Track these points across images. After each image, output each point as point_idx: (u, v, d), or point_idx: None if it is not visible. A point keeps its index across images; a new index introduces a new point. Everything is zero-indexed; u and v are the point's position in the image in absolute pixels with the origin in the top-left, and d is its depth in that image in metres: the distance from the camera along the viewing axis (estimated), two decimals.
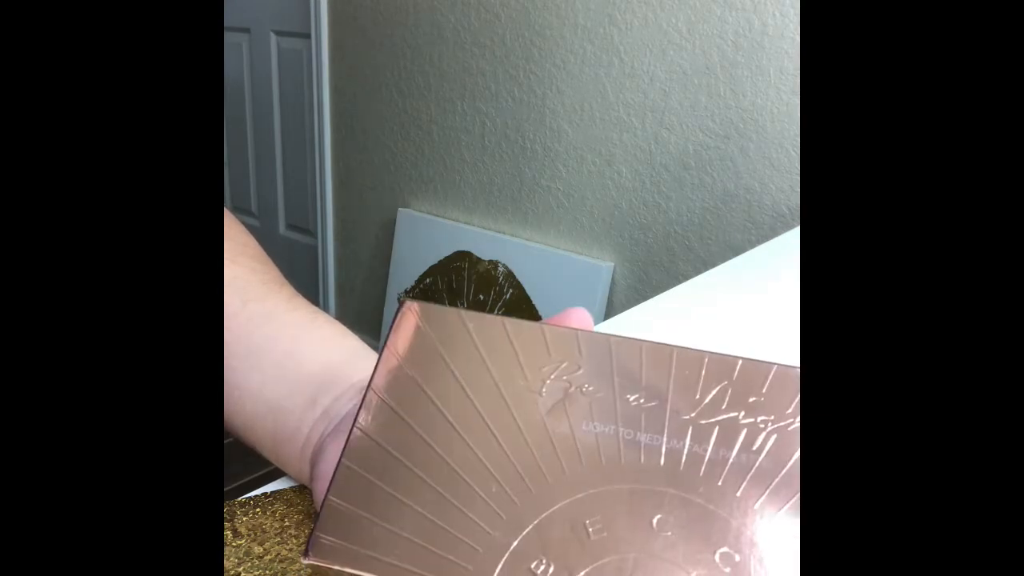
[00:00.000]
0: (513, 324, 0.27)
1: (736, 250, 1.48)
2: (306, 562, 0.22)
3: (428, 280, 1.96)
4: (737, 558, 0.21)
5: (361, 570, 0.22)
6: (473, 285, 1.86)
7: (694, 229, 1.56)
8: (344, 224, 2.22)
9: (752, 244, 1.46)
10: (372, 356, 0.35)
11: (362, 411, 0.25)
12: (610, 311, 1.70)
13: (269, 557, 0.38)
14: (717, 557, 0.21)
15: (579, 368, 0.25)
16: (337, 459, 0.25)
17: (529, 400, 0.25)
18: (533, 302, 1.76)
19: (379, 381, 0.26)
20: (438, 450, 0.24)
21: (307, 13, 2.09)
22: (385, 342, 0.27)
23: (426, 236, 1.97)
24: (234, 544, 0.39)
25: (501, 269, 1.81)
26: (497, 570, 0.21)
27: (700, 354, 0.25)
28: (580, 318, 0.28)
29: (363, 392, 0.29)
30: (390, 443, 0.24)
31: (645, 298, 1.62)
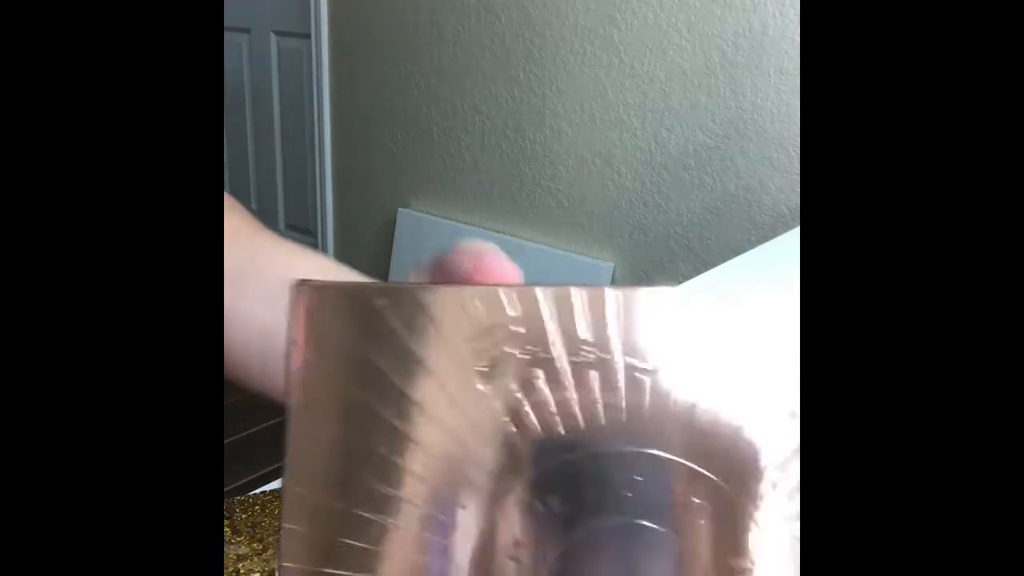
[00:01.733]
0: (429, 293, 0.23)
1: (736, 250, 1.48)
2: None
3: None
4: (710, 506, 0.21)
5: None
6: None
7: (694, 229, 1.56)
8: (344, 224, 2.22)
9: (752, 244, 1.46)
10: (352, 271, 0.34)
11: (291, 427, 0.23)
12: None
13: (268, 554, 0.38)
14: (685, 509, 0.21)
15: (502, 330, 0.23)
16: None
17: (461, 378, 0.22)
18: None
19: (299, 393, 0.23)
20: (388, 457, 0.22)
21: (307, 13, 2.09)
22: (288, 335, 0.23)
23: (426, 236, 1.97)
24: (233, 541, 0.39)
25: None
26: (470, 562, 0.21)
27: (633, 291, 0.22)
28: (501, 269, 0.26)
29: None
30: (329, 462, 0.22)
31: None
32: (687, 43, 1.49)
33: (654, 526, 0.21)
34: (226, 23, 2.37)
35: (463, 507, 0.22)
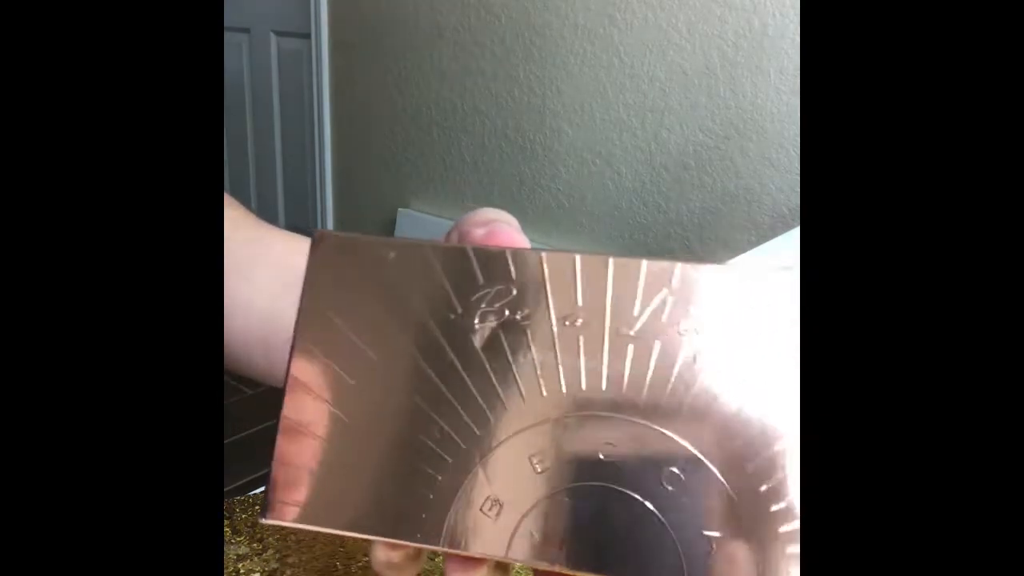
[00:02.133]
0: (436, 250, 0.24)
1: (736, 250, 1.48)
2: (264, 522, 0.22)
3: None
4: (683, 476, 0.21)
5: (320, 527, 0.22)
6: None
7: (694, 229, 1.56)
8: (344, 224, 2.22)
9: (752, 244, 1.46)
10: None
11: (292, 363, 0.24)
12: None
13: (268, 553, 0.38)
14: (663, 479, 0.21)
15: (512, 293, 0.23)
16: None
17: (462, 334, 0.23)
18: None
19: (303, 329, 0.24)
20: (376, 399, 0.23)
21: (307, 13, 2.09)
22: (305, 280, 0.24)
23: (426, 236, 1.96)
24: (233, 541, 0.39)
25: None
26: (448, 516, 0.21)
27: (637, 262, 0.23)
28: (509, 236, 0.26)
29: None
30: (325, 395, 0.23)
31: None
32: (687, 43, 1.49)
33: (626, 491, 0.21)
34: (226, 23, 2.37)
35: (443, 461, 0.22)
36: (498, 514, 0.21)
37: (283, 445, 0.23)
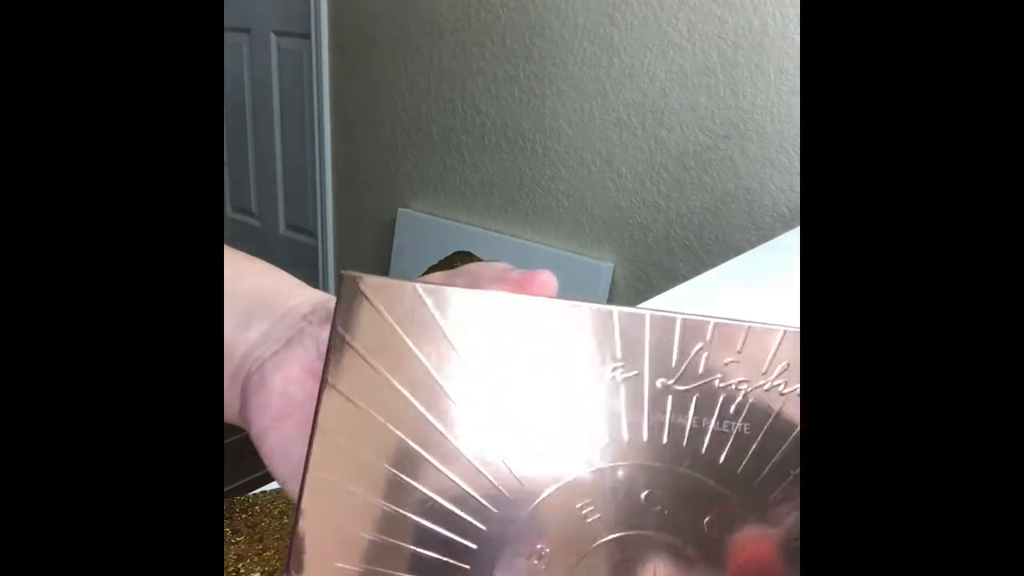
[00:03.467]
0: (475, 295, 0.24)
1: (736, 250, 1.48)
2: None
3: None
4: (723, 524, 0.21)
5: None
6: None
7: (694, 229, 1.56)
8: (344, 224, 2.22)
9: (752, 244, 1.46)
10: (307, 286, 0.32)
11: (322, 411, 0.23)
12: None
13: (268, 554, 0.38)
14: (706, 525, 0.21)
15: (552, 339, 0.23)
16: (285, 390, 0.24)
17: (501, 378, 0.23)
18: None
19: (335, 373, 0.23)
20: (416, 448, 0.22)
21: (307, 13, 2.09)
22: (334, 323, 0.24)
23: (426, 236, 1.97)
24: (233, 541, 0.39)
25: None
26: (497, 565, 0.21)
27: (672, 318, 0.24)
28: (544, 282, 0.26)
29: (308, 321, 0.27)
30: (359, 444, 0.22)
31: (645, 298, 1.61)
32: (687, 43, 1.49)
33: (670, 537, 0.21)
34: (226, 23, 2.37)
35: (490, 509, 0.22)
36: (547, 565, 0.21)
37: (310, 496, 0.22)
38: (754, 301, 0.75)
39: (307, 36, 2.13)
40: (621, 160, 1.63)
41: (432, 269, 1.94)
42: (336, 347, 0.24)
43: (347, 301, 0.24)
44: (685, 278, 1.52)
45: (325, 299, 0.30)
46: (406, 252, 2.02)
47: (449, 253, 1.92)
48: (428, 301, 0.24)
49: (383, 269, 2.12)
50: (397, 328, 0.24)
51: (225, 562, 0.38)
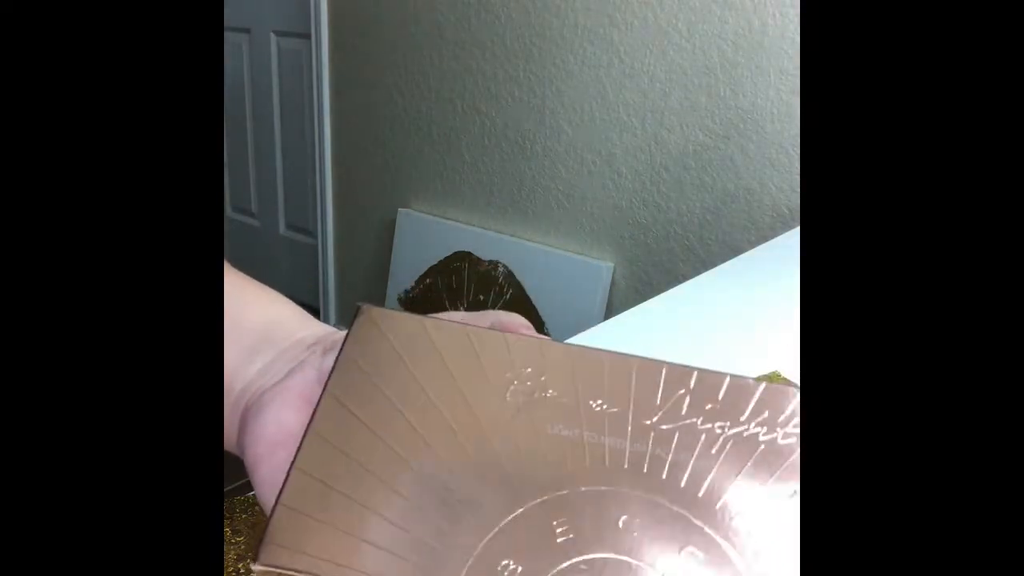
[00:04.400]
0: (475, 333, 0.27)
1: (736, 250, 1.48)
2: (257, 568, 0.21)
3: (428, 280, 1.96)
4: (701, 556, 0.21)
5: (321, 574, 0.21)
6: (473, 285, 1.86)
7: (694, 229, 1.56)
8: (344, 224, 2.22)
9: (752, 244, 1.46)
10: (314, 319, 0.33)
11: (318, 415, 0.24)
12: (610, 311, 1.70)
13: None
14: (682, 555, 0.21)
15: (543, 375, 0.26)
16: (279, 417, 0.25)
17: (493, 404, 0.25)
18: (533, 302, 1.76)
19: (337, 384, 0.25)
20: (400, 454, 0.24)
21: (307, 13, 2.09)
22: (343, 347, 0.26)
23: (426, 236, 1.97)
24: (233, 541, 0.39)
25: (501, 269, 1.81)
26: (463, 573, 0.21)
27: (659, 364, 0.26)
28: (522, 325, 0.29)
29: (312, 351, 0.29)
30: (348, 447, 0.24)
31: (645, 298, 1.62)
32: (687, 43, 1.49)
33: (643, 564, 0.21)
34: (226, 23, 2.37)
35: (462, 520, 0.22)
36: (515, 575, 0.21)
37: (292, 490, 0.23)
38: (754, 301, 0.75)
39: (307, 36, 2.13)
40: (621, 160, 1.63)
41: (432, 269, 1.94)
42: (342, 362, 0.26)
43: (360, 325, 0.27)
44: (685, 278, 1.52)
45: (330, 332, 0.31)
46: (406, 252, 2.02)
47: (449, 253, 1.92)
48: (432, 333, 0.27)
49: (383, 269, 2.12)
50: (399, 352, 0.26)
51: (225, 562, 0.38)
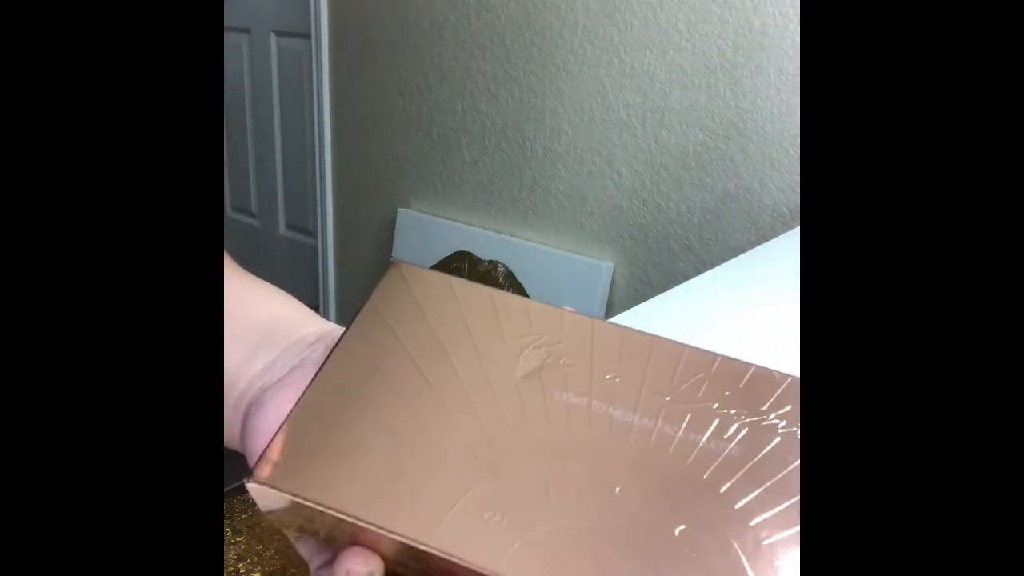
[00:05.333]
0: (500, 295, 0.27)
1: (736, 250, 1.48)
2: (250, 485, 0.22)
3: None
4: (696, 538, 0.21)
5: (309, 498, 0.22)
6: None
7: (694, 229, 1.56)
8: (344, 224, 2.22)
9: (752, 244, 1.46)
10: (318, 316, 0.34)
11: (335, 353, 0.25)
12: (610, 311, 1.69)
13: (268, 554, 0.38)
14: (676, 533, 0.21)
15: (559, 342, 0.25)
16: (279, 411, 0.25)
17: (505, 364, 0.25)
18: None
19: (357, 329, 0.26)
20: (407, 400, 0.24)
21: (307, 13, 2.09)
22: (370, 297, 0.27)
23: (426, 236, 1.97)
24: (233, 541, 0.39)
25: (501, 269, 1.81)
26: (448, 514, 0.21)
27: (680, 346, 0.25)
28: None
29: (314, 348, 0.29)
30: (357, 387, 0.24)
31: (645, 298, 1.62)
32: (687, 43, 1.49)
33: (636, 538, 0.21)
34: (226, 23, 2.37)
35: (455, 470, 0.22)
36: (500, 524, 0.21)
37: (299, 416, 0.24)
38: (754, 301, 0.75)
39: (307, 36, 2.13)
40: (621, 160, 1.63)
41: (432, 269, 1.94)
42: (366, 311, 0.27)
43: (389, 279, 0.28)
44: (685, 278, 1.52)
45: (332, 328, 0.31)
46: (406, 252, 2.02)
47: (449, 253, 1.92)
48: (457, 292, 0.27)
49: (383, 269, 2.12)
50: (423, 307, 0.27)
51: (225, 562, 0.38)
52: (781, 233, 1.31)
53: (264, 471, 0.22)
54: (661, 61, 1.53)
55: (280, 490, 0.22)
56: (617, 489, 0.22)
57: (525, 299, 0.26)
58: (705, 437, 0.23)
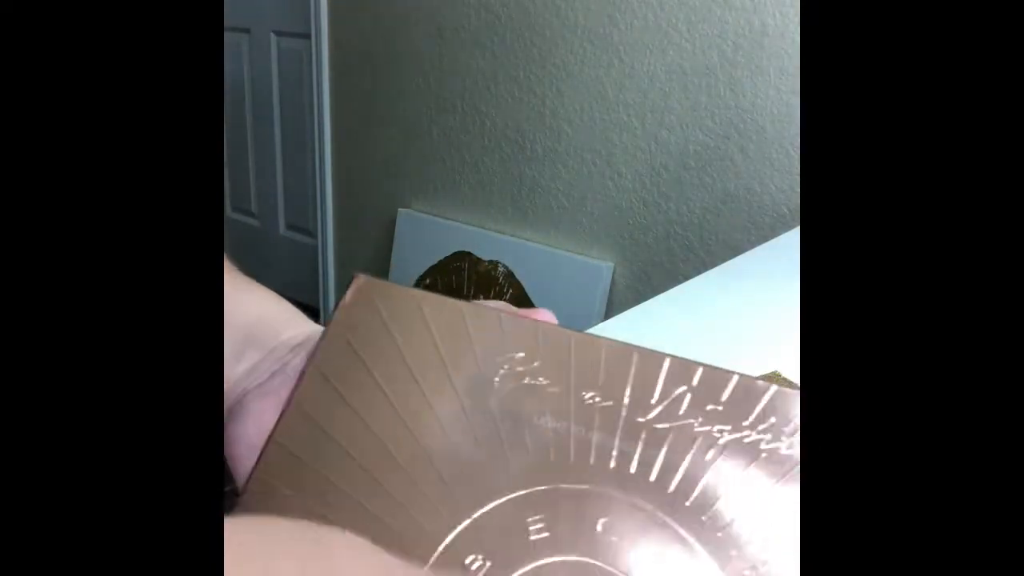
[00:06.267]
0: (472, 310, 0.25)
1: (736, 250, 1.48)
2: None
3: (428, 280, 1.96)
4: (678, 564, 0.20)
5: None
6: (473, 285, 1.86)
7: (694, 229, 1.56)
8: (344, 224, 2.22)
9: (752, 244, 1.46)
10: (304, 318, 0.33)
11: (301, 388, 0.24)
12: (610, 311, 1.69)
13: None
14: (662, 566, 0.20)
15: (535, 361, 0.24)
16: (260, 420, 0.25)
17: (479, 389, 0.23)
18: (533, 302, 1.75)
19: (322, 356, 0.25)
20: (378, 435, 0.23)
21: (307, 13, 2.09)
22: (332, 315, 0.25)
23: (426, 236, 1.97)
24: None
25: (501, 269, 1.81)
26: (429, 564, 0.21)
27: (661, 356, 0.24)
28: (544, 316, 0.27)
29: (295, 353, 0.28)
30: (327, 423, 0.23)
31: (645, 298, 1.62)
32: (687, 43, 1.49)
33: (618, 572, 0.20)
34: (226, 23, 2.37)
35: (434, 510, 0.22)
36: (483, 568, 0.21)
37: (270, 461, 0.23)
38: (754, 301, 0.75)
39: (307, 36, 2.13)
40: (621, 160, 1.63)
41: (432, 269, 1.94)
42: (331, 333, 0.25)
43: (352, 295, 0.25)
44: (685, 278, 1.52)
45: (317, 331, 0.30)
46: (406, 252, 2.02)
47: (449, 253, 1.92)
48: (424, 309, 0.25)
49: (383, 269, 2.12)
50: (389, 328, 0.25)
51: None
52: (781, 233, 1.31)
53: (247, 503, 0.22)
54: (661, 61, 1.53)
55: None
56: (601, 523, 0.21)
57: (497, 312, 0.25)
58: (687, 460, 0.22)
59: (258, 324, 0.31)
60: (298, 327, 0.31)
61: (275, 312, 0.32)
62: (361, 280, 0.26)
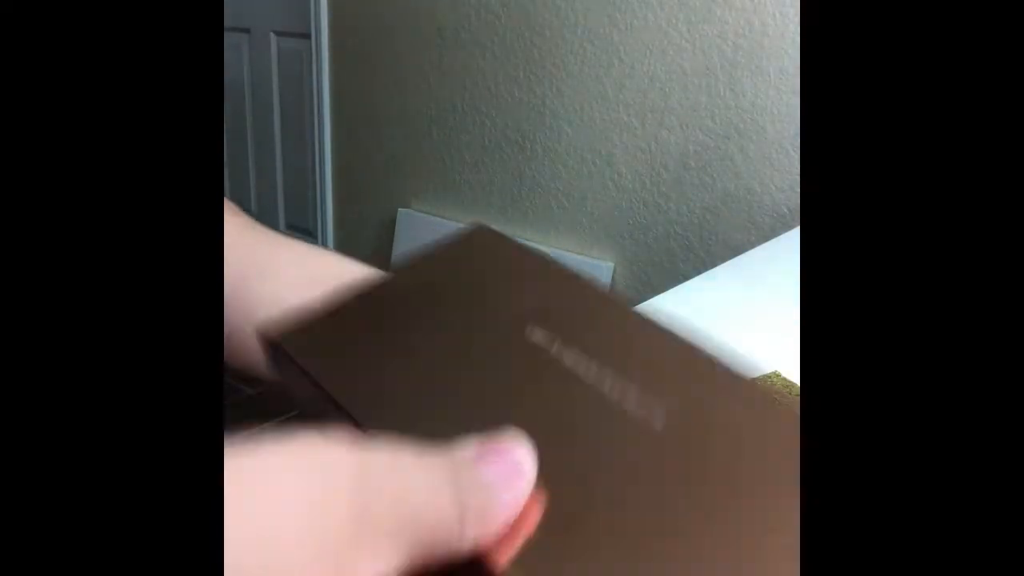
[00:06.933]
0: (558, 269, 0.28)
1: (736, 250, 1.48)
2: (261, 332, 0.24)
3: None
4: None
5: (320, 374, 0.23)
6: None
7: (694, 229, 1.56)
8: (344, 224, 2.22)
9: (752, 244, 1.46)
10: (356, 264, 0.36)
11: (372, 283, 0.27)
12: None
13: None
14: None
15: (567, 302, 0.27)
16: (273, 293, 0.28)
17: (519, 332, 0.25)
18: None
19: (402, 271, 0.28)
20: (433, 337, 0.25)
21: (307, 13, 2.09)
22: (435, 249, 0.29)
23: (426, 236, 1.97)
24: None
25: None
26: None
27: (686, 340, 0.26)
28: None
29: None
30: (391, 310, 0.26)
31: (645, 298, 1.62)
32: (687, 43, 1.49)
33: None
34: (226, 23, 2.37)
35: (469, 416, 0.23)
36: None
37: (332, 308, 0.26)
38: (754, 301, 0.75)
39: (307, 36, 2.13)
40: (621, 160, 1.63)
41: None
42: (421, 257, 0.29)
43: (460, 236, 0.29)
44: (685, 278, 1.52)
45: (372, 272, 0.33)
46: (406, 252, 2.02)
47: None
48: (522, 265, 0.28)
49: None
50: (475, 266, 0.28)
51: None
52: (781, 233, 1.31)
53: (278, 328, 0.24)
54: (661, 61, 1.53)
55: (296, 358, 0.24)
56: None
57: (585, 282, 0.28)
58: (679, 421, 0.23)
59: (349, 275, 0.34)
60: (355, 271, 0.34)
61: (365, 268, 0.36)
62: (475, 227, 0.29)
